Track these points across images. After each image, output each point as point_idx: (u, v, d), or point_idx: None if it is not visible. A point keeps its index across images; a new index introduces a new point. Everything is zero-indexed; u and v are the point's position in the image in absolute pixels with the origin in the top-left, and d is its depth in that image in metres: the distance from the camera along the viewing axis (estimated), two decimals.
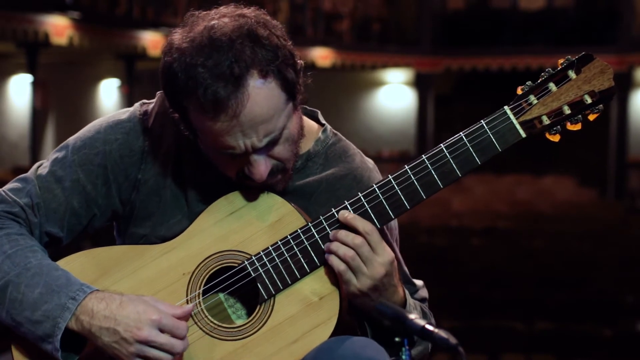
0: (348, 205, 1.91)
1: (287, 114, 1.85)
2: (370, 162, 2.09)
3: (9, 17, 11.51)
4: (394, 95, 19.82)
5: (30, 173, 2.00)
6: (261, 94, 1.79)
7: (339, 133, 2.09)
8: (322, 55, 17.01)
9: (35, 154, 12.82)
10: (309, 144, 2.03)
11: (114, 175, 1.98)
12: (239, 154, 1.83)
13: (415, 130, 19.10)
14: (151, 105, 2.02)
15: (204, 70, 1.76)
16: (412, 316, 1.64)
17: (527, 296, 8.09)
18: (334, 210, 1.91)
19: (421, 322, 1.62)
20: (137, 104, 2.04)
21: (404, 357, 1.63)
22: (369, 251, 1.87)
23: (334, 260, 1.88)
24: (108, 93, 17.65)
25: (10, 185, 2.00)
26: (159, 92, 2.01)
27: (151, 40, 14.11)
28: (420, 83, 19.00)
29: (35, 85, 13.00)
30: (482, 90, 18.97)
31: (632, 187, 17.80)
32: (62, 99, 16.10)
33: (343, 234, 1.88)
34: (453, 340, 1.57)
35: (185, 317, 1.89)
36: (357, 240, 1.87)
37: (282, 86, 1.82)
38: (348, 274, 1.87)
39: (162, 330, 1.83)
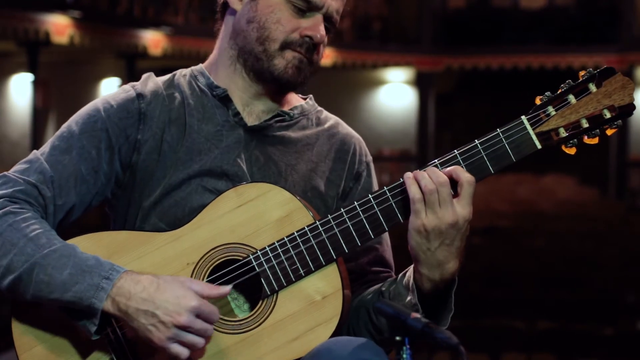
0: (357, 205, 1.90)
1: None
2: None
3: (10, 16, 11.52)
4: (395, 94, 19.80)
5: (32, 154, 2.01)
6: None
7: None
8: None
9: None
10: (301, 101, 2.12)
11: (115, 137, 2.00)
12: (315, 6, 1.96)
13: (416, 129, 19.07)
14: (139, 82, 2.10)
15: None
16: (413, 315, 1.63)
17: (528, 295, 8.10)
18: (342, 210, 1.91)
19: (422, 320, 1.61)
20: (126, 84, 2.12)
21: (404, 356, 1.63)
22: (448, 194, 1.85)
23: (412, 188, 1.87)
24: (109, 92, 17.62)
25: (15, 167, 1.99)
26: (145, 74, 2.11)
27: (152, 39, 14.11)
28: (421, 82, 18.97)
29: (36, 84, 12.99)
30: (483, 89, 18.96)
31: (633, 186, 17.77)
32: (63, 98, 16.09)
33: (434, 170, 1.87)
34: (454, 339, 1.57)
35: (221, 298, 1.88)
36: (442, 179, 1.85)
37: None
38: (419, 205, 1.86)
39: (198, 316, 1.84)
